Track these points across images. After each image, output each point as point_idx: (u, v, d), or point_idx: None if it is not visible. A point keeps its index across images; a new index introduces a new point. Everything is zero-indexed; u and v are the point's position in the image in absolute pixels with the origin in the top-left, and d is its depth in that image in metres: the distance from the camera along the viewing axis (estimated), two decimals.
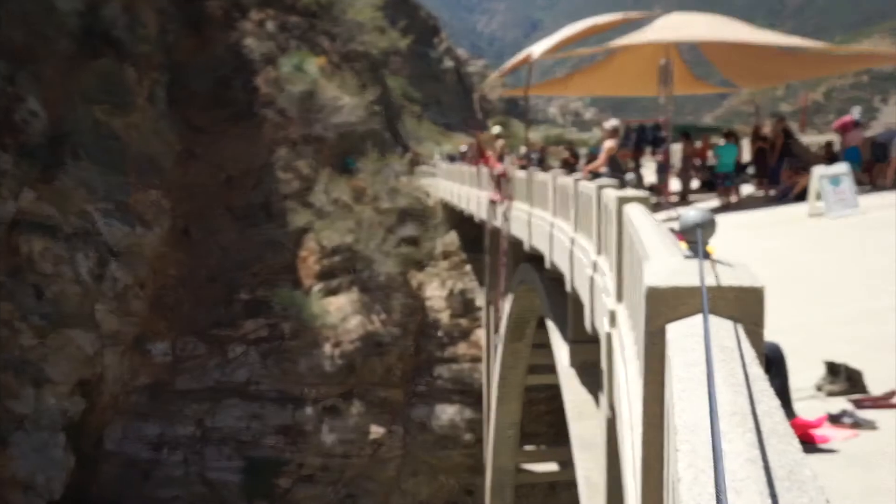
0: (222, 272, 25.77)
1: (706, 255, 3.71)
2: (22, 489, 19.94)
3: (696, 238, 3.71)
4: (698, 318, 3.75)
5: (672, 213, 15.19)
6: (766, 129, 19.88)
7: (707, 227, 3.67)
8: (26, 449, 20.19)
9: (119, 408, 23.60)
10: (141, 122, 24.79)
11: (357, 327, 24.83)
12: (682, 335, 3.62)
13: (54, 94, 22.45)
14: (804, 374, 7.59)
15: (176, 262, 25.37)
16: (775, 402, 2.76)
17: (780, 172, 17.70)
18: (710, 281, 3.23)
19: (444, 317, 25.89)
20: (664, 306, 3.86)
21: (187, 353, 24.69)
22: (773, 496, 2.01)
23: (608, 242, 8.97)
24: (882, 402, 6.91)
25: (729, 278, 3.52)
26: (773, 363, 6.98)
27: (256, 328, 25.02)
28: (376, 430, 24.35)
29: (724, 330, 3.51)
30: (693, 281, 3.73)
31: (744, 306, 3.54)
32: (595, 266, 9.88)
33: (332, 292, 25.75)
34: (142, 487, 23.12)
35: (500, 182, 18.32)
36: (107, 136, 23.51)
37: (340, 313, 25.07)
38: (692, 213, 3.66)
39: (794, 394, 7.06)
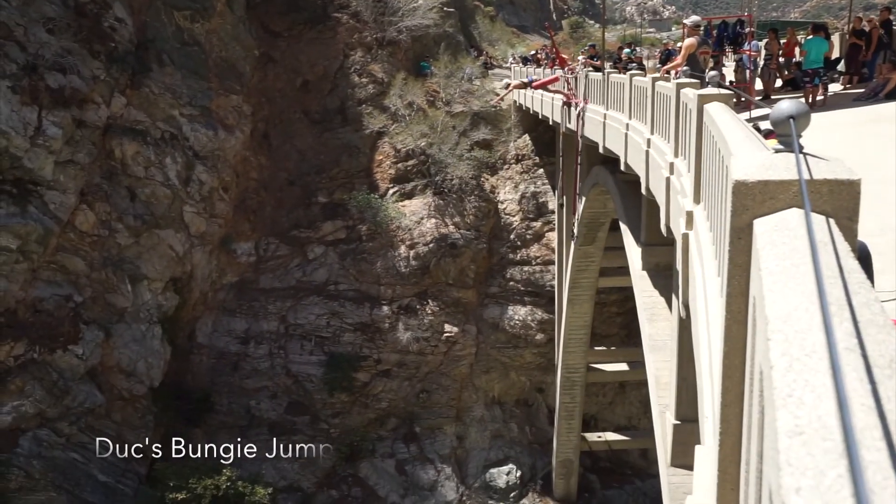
0: (300, 175, 26.48)
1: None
2: (125, 376, 21.60)
3: (788, 132, 3.74)
4: (787, 212, 3.92)
5: (756, 112, 14.81)
6: (865, 22, 18.78)
7: (801, 118, 3.66)
8: (127, 339, 21.73)
9: (208, 304, 25.00)
10: (220, 28, 25.13)
11: (431, 230, 25.35)
12: (771, 229, 3.80)
13: (138, 1, 22.90)
14: (890, 276, 7.61)
15: (257, 166, 26.15)
16: (872, 295, 2.94)
17: (874, 67, 16.84)
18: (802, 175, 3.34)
19: (517, 220, 26.14)
20: (751, 201, 4.02)
21: (270, 254, 25.76)
22: (873, 383, 2.19)
23: (687, 143, 8.95)
24: None
25: (823, 171, 3.60)
26: (859, 262, 7.06)
27: (334, 230, 25.81)
28: (450, 329, 25.19)
29: (817, 224, 3.64)
30: (782, 175, 3.87)
31: (838, 200, 3.62)
32: (672, 168, 9.88)
33: (407, 196, 26.23)
34: (231, 378, 24.71)
35: (574, 84, 18.09)
36: (188, 43, 23.98)
37: (415, 216, 25.59)
38: (785, 104, 3.67)
39: (879, 296, 7.14)
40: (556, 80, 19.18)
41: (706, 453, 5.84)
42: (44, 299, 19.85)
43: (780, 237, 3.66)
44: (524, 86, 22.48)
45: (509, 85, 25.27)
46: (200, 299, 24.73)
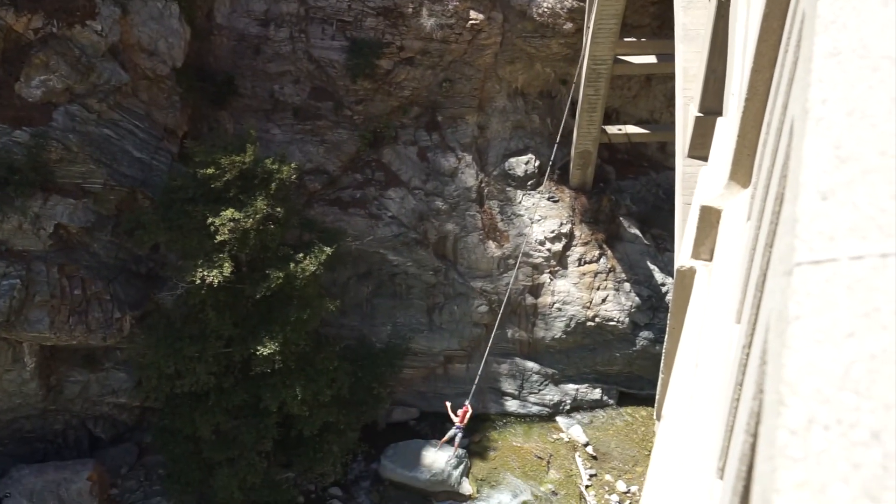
0: None
1: None
2: (147, 55, 21.46)
3: None
4: None
5: None
6: None
7: None
8: (145, 17, 21.23)
9: None
10: None
11: None
12: None
13: None
14: None
15: None
16: None
17: None
18: None
19: None
20: None
21: None
22: None
23: None
24: None
25: None
26: None
27: None
28: (476, 16, 24.25)
29: None
30: None
31: None
32: None
33: None
34: (253, 61, 24.48)
35: None
36: None
37: None
38: None
39: None
40: None
41: (727, 124, 5.90)
42: None
43: None
44: None
45: None
46: None
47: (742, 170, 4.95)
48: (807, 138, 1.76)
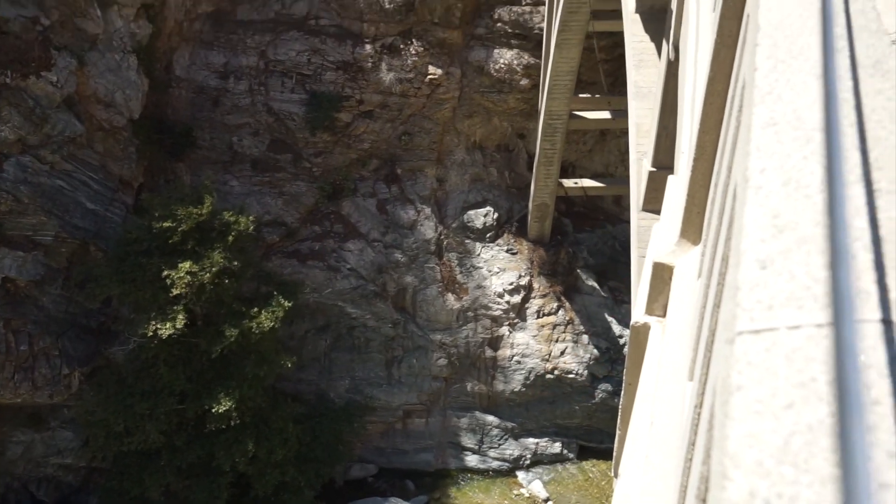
0: None
1: None
2: (104, 106, 21.31)
3: None
4: None
5: None
6: None
7: None
8: (102, 68, 21.14)
9: (184, 35, 24.04)
10: None
11: None
12: None
13: None
14: (892, 19, 7.41)
15: None
16: (870, 4, 2.86)
17: None
18: None
19: None
20: None
21: None
22: (856, 80, 2.22)
23: None
24: None
25: None
26: None
27: None
28: (434, 71, 24.68)
29: None
30: None
31: None
32: None
33: None
34: (212, 113, 24.47)
35: None
36: None
37: None
38: None
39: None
40: None
41: (677, 182, 6.05)
42: (9, 20, 18.94)
43: None
44: None
45: None
46: (175, 29, 23.73)
47: (692, 227, 5.06)
48: (747, 206, 1.81)
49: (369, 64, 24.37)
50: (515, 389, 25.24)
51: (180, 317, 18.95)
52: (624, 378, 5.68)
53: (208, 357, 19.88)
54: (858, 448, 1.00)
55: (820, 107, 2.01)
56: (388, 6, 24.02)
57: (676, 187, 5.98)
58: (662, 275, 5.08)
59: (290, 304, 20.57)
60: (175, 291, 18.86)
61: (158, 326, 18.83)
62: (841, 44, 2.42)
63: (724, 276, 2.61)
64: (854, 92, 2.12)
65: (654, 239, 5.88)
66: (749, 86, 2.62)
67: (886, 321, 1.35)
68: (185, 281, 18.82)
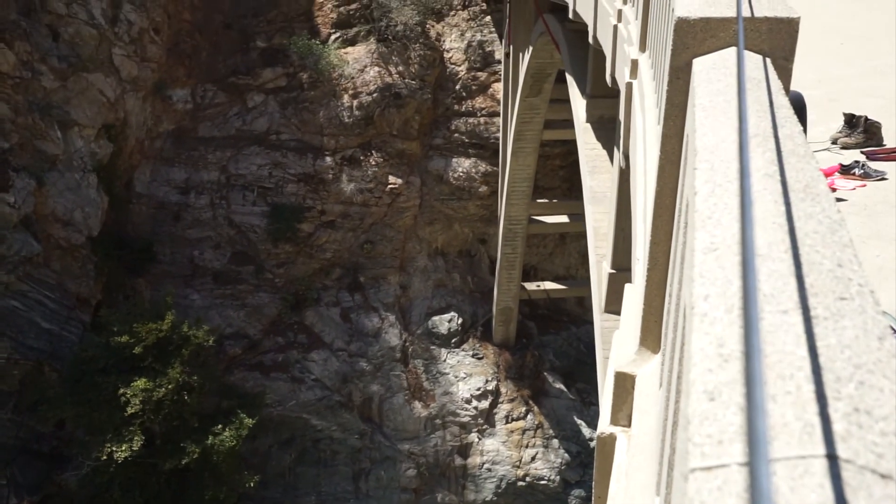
0: (237, 18, 25.17)
1: None
2: (62, 225, 21.18)
3: None
4: (726, 51, 3.93)
5: None
6: None
7: None
8: (62, 188, 21.13)
9: (145, 152, 24.29)
10: None
11: (375, 78, 24.70)
12: (709, 67, 3.82)
13: None
14: (821, 128, 7.81)
15: (190, 6, 24.70)
16: (798, 128, 3.03)
17: None
18: (743, 12, 3.35)
19: (463, 70, 25.60)
20: (692, 39, 4.02)
21: (207, 101, 24.88)
22: (788, 204, 2.32)
23: None
24: (894, 154, 7.19)
25: (763, 9, 3.62)
26: (795, 113, 7.23)
27: (275, 77, 24.93)
28: (394, 180, 25.16)
29: (752, 62, 3.69)
30: (724, 12, 3.86)
31: (776, 39, 3.67)
32: (620, 15, 9.76)
33: (350, 42, 25.30)
34: (173, 228, 24.47)
35: None
36: None
37: (358, 64, 24.81)
38: None
39: (810, 146, 7.39)
40: None
41: (634, 290, 6.14)
42: None
43: (716, 74, 3.70)
44: None
45: None
46: (136, 147, 23.99)
47: (651, 336, 5.11)
48: (693, 334, 1.85)
49: (330, 175, 24.79)
50: (487, 499, 24.53)
51: (137, 437, 18.28)
52: (593, 490, 5.58)
53: (166, 478, 19.06)
54: None
55: (761, 232, 2.08)
56: (347, 120, 24.67)
57: (633, 295, 6.07)
58: (625, 384, 5.08)
59: (253, 422, 20.01)
60: (130, 410, 18.25)
61: (114, 448, 18.10)
62: (772, 169, 2.54)
63: (679, 394, 2.62)
64: (787, 216, 2.21)
65: (615, 347, 5.91)
66: (691, 208, 2.72)
67: (831, 456, 1.37)
68: (140, 398, 18.26)
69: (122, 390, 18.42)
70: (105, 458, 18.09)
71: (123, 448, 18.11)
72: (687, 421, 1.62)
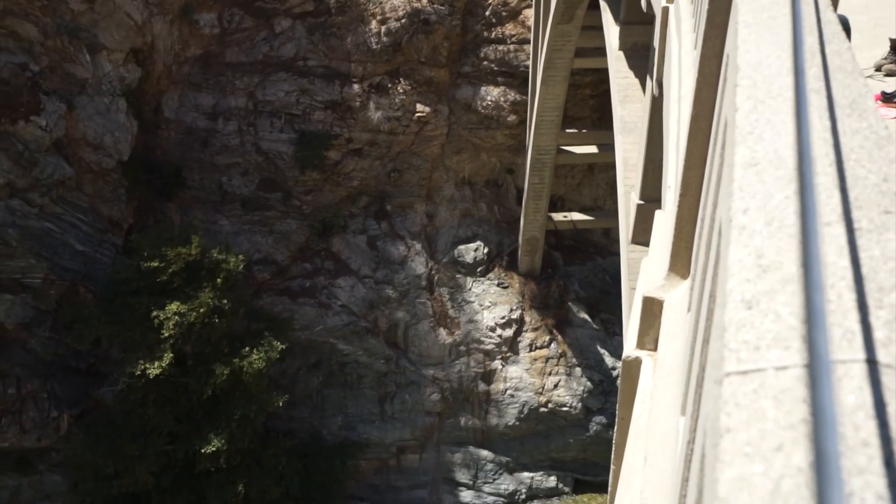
0: None
1: None
2: (93, 149, 21.37)
3: None
4: None
5: None
6: None
7: None
8: (91, 112, 21.23)
9: (173, 77, 24.22)
10: None
11: (403, 4, 24.20)
12: None
13: None
14: (866, 54, 7.55)
15: None
16: (846, 44, 2.93)
17: None
18: None
19: None
20: None
21: (234, 26, 24.61)
22: (833, 119, 2.27)
23: None
24: None
25: None
26: None
27: (302, 1, 24.53)
28: (422, 109, 24.91)
29: None
30: None
31: None
32: None
33: None
34: (201, 154, 24.58)
35: None
36: None
37: None
38: None
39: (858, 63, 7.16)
40: None
41: (665, 217, 6.10)
42: None
43: None
44: None
45: None
46: (164, 72, 23.92)
47: (681, 262, 5.09)
48: (731, 246, 1.84)
49: (357, 103, 24.58)
50: (509, 423, 25.06)
51: (167, 356, 18.83)
52: (617, 412, 5.67)
53: (198, 397, 19.68)
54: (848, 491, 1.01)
55: (795, 147, 2.05)
56: (375, 46, 24.31)
57: (664, 222, 6.02)
58: (652, 309, 5.10)
59: (283, 346, 20.46)
60: (165, 332, 18.75)
61: (147, 366, 18.68)
62: (818, 84, 2.47)
63: (712, 312, 2.63)
64: (832, 131, 2.17)
65: (643, 273, 5.91)
66: (730, 125, 2.67)
67: (871, 361, 1.37)
68: (174, 322, 18.72)
69: (155, 312, 18.88)
70: (139, 374, 18.68)
71: (156, 366, 18.67)
72: (723, 329, 1.63)
